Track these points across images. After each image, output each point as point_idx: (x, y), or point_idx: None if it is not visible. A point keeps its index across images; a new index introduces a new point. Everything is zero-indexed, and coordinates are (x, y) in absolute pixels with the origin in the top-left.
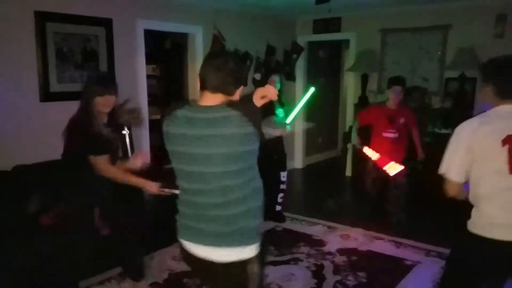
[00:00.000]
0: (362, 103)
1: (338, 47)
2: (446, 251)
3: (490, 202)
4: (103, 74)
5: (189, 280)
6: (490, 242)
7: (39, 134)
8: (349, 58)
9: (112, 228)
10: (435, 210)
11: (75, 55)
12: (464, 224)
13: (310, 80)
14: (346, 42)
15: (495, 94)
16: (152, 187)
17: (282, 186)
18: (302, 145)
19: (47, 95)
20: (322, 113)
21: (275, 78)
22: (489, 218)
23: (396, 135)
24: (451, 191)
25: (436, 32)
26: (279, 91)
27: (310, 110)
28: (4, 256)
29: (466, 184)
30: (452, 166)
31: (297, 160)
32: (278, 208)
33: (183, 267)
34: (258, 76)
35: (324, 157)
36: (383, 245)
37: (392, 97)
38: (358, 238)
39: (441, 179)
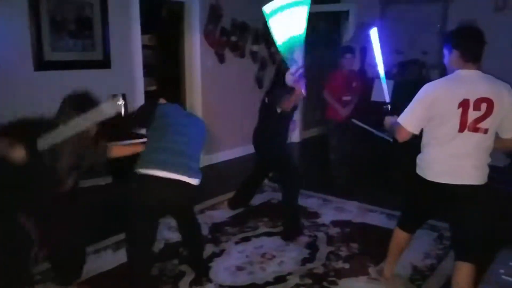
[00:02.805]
0: (361, 75)
1: (338, 19)
2: (439, 224)
3: (438, 148)
4: (80, 96)
5: (184, 250)
6: (432, 184)
7: (34, 103)
8: (349, 30)
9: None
10: None
11: (69, 23)
12: None
13: (309, 52)
14: (346, 14)
15: (460, 58)
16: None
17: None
18: (300, 119)
19: (41, 64)
20: (321, 87)
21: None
22: (433, 164)
23: (349, 98)
24: (402, 138)
25: (436, 5)
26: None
27: (311, 84)
28: None
29: None
30: (412, 118)
31: (295, 134)
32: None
33: (177, 237)
34: (256, 48)
35: (322, 131)
36: (377, 217)
37: (345, 64)
38: (352, 211)
39: None
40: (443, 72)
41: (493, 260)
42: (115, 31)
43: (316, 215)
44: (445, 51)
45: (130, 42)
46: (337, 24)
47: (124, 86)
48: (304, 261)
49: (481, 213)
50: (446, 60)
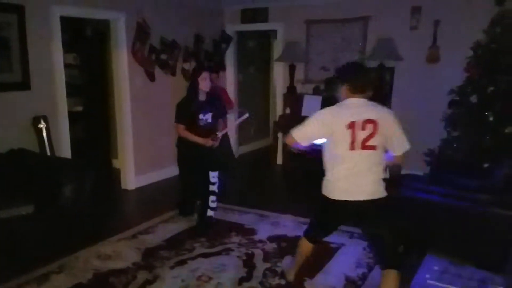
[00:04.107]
0: (291, 92)
1: (267, 37)
2: None
3: (334, 168)
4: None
5: (115, 279)
6: (336, 202)
7: None
8: (277, 48)
9: None
10: None
11: None
12: None
13: (241, 70)
14: (275, 32)
15: (348, 90)
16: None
17: (212, 188)
18: (235, 135)
19: None
20: (253, 103)
21: (206, 75)
22: (335, 183)
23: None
24: (289, 143)
25: (356, 24)
26: (211, 91)
27: (243, 100)
28: None
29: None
30: (302, 131)
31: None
32: (210, 213)
33: (108, 265)
34: (187, 66)
35: (257, 146)
36: None
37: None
38: (287, 225)
39: None
40: None
41: (418, 266)
42: (35, 50)
43: (252, 231)
44: (337, 85)
45: (52, 61)
46: (267, 43)
47: (45, 107)
48: (242, 280)
49: (387, 223)
50: (338, 93)
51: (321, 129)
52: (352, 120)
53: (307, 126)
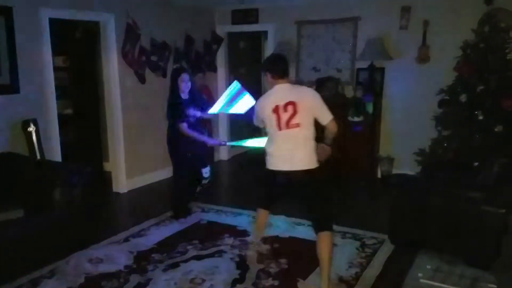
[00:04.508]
0: None
1: (258, 38)
2: (361, 232)
3: (271, 145)
4: None
5: (107, 283)
6: (274, 172)
7: None
8: (268, 49)
9: None
10: (347, 195)
11: None
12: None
13: (232, 71)
14: (265, 33)
15: (271, 77)
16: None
17: (204, 182)
18: (227, 136)
19: None
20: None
21: (185, 77)
22: (272, 157)
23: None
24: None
25: (347, 24)
26: (191, 89)
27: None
28: None
29: None
30: (255, 118)
31: (223, 151)
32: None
33: (100, 269)
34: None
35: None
36: (304, 231)
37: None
38: (280, 226)
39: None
40: (356, 88)
41: (411, 265)
42: (23, 53)
43: (245, 233)
44: (263, 76)
45: (41, 64)
46: (258, 44)
47: (35, 110)
48: (235, 282)
49: (318, 191)
50: (266, 81)
51: (260, 115)
52: (276, 104)
53: (255, 115)
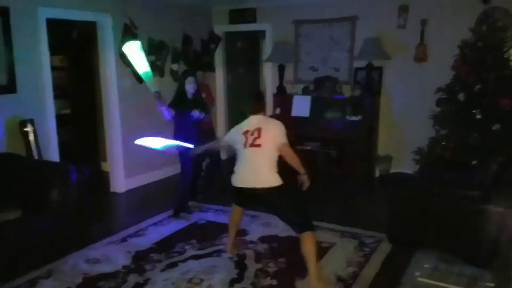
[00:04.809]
0: (280, 93)
1: (256, 38)
2: (360, 231)
3: (237, 164)
4: None
5: (105, 283)
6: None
7: None
8: (266, 48)
9: None
10: (345, 194)
11: None
12: None
13: (230, 70)
14: (263, 32)
15: (250, 112)
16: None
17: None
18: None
19: None
20: (243, 103)
21: (192, 79)
22: (238, 174)
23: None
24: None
25: (344, 24)
26: (196, 91)
27: (233, 100)
28: None
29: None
30: (227, 137)
31: (222, 151)
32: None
33: (98, 269)
34: (175, 67)
35: None
36: None
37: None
38: (278, 225)
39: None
40: (354, 87)
41: (409, 263)
42: (20, 53)
43: (244, 232)
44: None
45: (38, 64)
46: (256, 43)
47: (32, 110)
48: (233, 281)
49: (285, 203)
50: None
51: (231, 137)
52: (247, 129)
53: (228, 135)
